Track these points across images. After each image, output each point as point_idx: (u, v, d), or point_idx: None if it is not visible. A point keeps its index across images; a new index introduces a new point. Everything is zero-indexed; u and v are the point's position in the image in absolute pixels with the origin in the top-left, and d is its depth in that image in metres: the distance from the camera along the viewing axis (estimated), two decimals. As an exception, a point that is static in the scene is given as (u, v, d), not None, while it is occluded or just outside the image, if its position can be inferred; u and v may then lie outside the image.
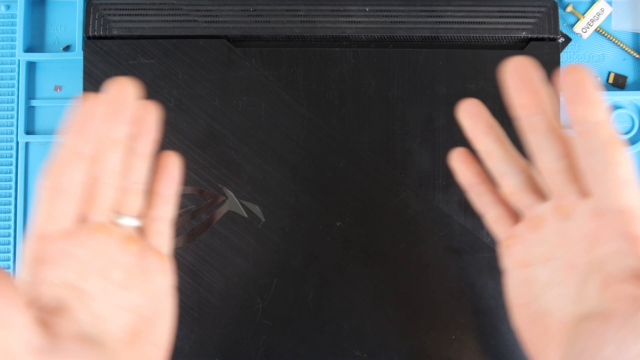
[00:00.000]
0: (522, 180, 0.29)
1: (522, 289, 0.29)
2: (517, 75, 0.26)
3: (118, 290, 0.28)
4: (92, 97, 0.27)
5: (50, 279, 0.27)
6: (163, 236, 0.31)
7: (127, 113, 0.28)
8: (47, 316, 0.26)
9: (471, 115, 0.29)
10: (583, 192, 0.27)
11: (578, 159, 0.26)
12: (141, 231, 0.30)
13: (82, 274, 0.27)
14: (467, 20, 0.40)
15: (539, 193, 0.29)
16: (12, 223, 0.42)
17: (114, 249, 0.29)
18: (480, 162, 0.30)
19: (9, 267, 0.41)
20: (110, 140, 0.28)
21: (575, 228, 0.27)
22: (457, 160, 0.31)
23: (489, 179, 0.30)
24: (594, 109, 0.24)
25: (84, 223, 0.28)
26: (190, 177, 0.39)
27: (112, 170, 0.28)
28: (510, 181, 0.29)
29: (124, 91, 0.27)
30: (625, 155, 0.24)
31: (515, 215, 0.30)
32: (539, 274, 0.28)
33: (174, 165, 0.30)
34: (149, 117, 0.29)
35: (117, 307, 0.28)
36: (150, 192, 0.30)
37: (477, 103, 0.29)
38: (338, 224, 0.39)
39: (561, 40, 0.42)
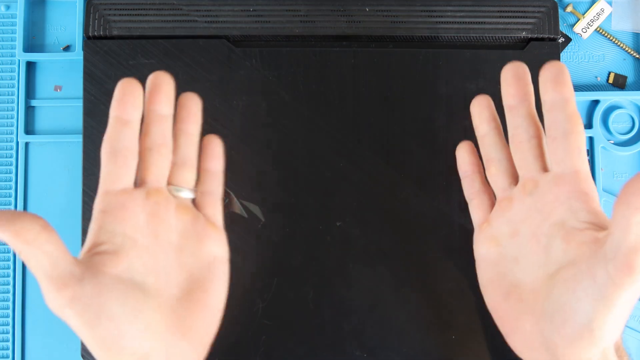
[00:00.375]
0: (505, 166, 0.33)
1: (493, 269, 0.32)
2: (512, 72, 0.31)
3: (171, 250, 0.30)
4: (132, 80, 0.30)
5: (111, 228, 0.29)
6: (215, 209, 0.33)
7: (167, 92, 0.31)
8: (98, 257, 0.27)
9: (480, 105, 0.34)
10: (546, 167, 0.30)
11: (545, 137, 0.30)
12: (195, 204, 0.33)
13: (139, 230, 0.29)
14: (467, 20, 0.40)
15: (516, 179, 0.32)
16: (12, 223, 0.42)
17: (169, 214, 0.31)
18: (478, 155, 0.35)
19: (8, 267, 0.41)
20: (156, 115, 0.31)
21: (538, 200, 0.30)
22: (462, 149, 0.35)
23: (482, 169, 0.35)
24: (566, 88, 0.29)
25: (142, 187, 0.30)
26: (190, 177, 0.39)
27: (162, 143, 0.31)
28: (494, 166, 0.33)
29: (161, 78, 0.31)
30: (582, 129, 0.29)
31: (494, 204, 0.34)
32: (508, 251, 0.31)
33: (217, 144, 0.34)
34: (191, 103, 0.33)
35: (170, 265, 0.30)
36: (198, 170, 0.33)
37: (488, 98, 0.34)
38: (338, 224, 0.39)
39: (561, 40, 0.42)
